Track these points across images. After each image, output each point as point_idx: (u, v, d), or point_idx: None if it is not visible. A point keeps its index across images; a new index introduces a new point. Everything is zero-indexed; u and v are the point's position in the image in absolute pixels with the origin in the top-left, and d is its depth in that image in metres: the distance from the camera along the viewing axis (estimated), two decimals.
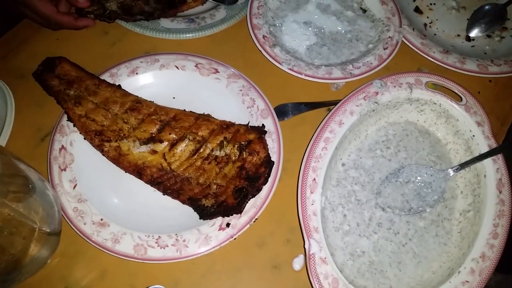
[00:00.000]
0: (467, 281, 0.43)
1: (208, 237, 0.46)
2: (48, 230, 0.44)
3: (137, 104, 0.52)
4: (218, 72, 0.56)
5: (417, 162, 0.52)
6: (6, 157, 0.37)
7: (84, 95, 0.52)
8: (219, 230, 0.46)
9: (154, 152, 0.50)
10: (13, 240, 0.39)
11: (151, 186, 0.49)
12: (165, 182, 0.49)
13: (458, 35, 0.65)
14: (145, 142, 0.51)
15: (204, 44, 0.60)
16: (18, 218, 0.39)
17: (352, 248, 0.47)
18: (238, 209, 0.46)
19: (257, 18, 0.59)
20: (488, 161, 0.49)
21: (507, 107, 0.61)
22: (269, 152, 0.50)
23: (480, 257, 0.45)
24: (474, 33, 0.65)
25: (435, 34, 0.65)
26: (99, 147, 0.50)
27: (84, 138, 0.51)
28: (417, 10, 0.67)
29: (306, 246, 0.43)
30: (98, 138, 0.50)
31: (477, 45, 0.64)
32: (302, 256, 0.48)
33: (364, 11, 0.64)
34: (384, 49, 0.58)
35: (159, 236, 0.46)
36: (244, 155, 0.49)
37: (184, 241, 0.45)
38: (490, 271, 0.44)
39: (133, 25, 0.61)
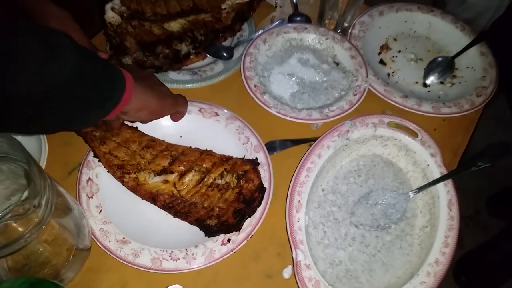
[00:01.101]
0: (424, 282, 0.53)
1: (212, 251, 0.55)
2: (81, 246, 0.52)
3: (151, 142, 0.62)
4: (218, 115, 0.66)
5: (383, 187, 0.63)
6: (52, 181, 0.46)
7: (108, 136, 0.62)
8: (222, 245, 0.55)
9: (166, 181, 0.60)
10: (58, 253, 0.48)
11: (164, 210, 0.58)
12: (175, 206, 0.59)
13: (417, 82, 0.78)
14: (159, 173, 0.60)
15: (206, 92, 0.71)
16: (63, 233, 0.47)
17: (331, 259, 0.57)
18: (237, 227, 0.56)
19: (249, 70, 0.71)
20: (440, 185, 0.60)
21: (458, 141, 0.72)
22: (262, 180, 0.60)
23: (435, 262, 0.54)
24: (429, 80, 0.77)
25: (396, 82, 0.77)
26: (120, 179, 0.60)
27: (108, 171, 0.60)
28: (382, 62, 0.79)
29: (294, 255, 0.53)
30: (120, 171, 0.60)
31: (432, 90, 0.77)
32: (290, 266, 0.57)
33: (337, 64, 0.76)
34: (354, 95, 0.70)
35: (172, 251, 0.54)
36: (241, 183, 0.59)
37: (192, 254, 0.54)
38: (443, 273, 0.54)
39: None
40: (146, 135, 0.63)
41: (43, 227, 0.43)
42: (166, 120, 0.65)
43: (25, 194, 0.38)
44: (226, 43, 0.77)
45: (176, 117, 0.63)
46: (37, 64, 0.35)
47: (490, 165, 0.61)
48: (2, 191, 0.50)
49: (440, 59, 0.79)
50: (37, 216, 0.41)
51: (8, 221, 0.38)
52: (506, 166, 1.38)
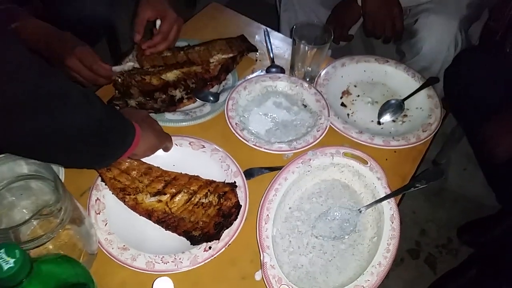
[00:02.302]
0: (368, 280, 0.64)
1: (196, 256, 0.66)
2: (89, 251, 0.64)
3: (149, 170, 0.75)
4: (205, 147, 0.80)
5: (340, 205, 0.75)
6: (70, 195, 0.59)
7: (113, 165, 0.75)
8: (204, 251, 0.67)
9: (159, 201, 0.72)
10: (71, 255, 0.59)
11: (157, 224, 0.70)
12: (167, 221, 0.71)
13: (372, 121, 0.92)
14: (154, 194, 0.73)
15: (196, 129, 0.84)
16: (76, 239, 0.60)
17: (295, 263, 0.68)
18: (217, 236, 0.67)
19: (231, 111, 0.85)
20: (385, 203, 0.72)
21: (407, 169, 0.85)
22: (239, 199, 0.72)
23: (378, 264, 0.66)
24: (383, 119, 0.91)
25: (355, 121, 0.91)
26: (122, 199, 0.72)
27: (112, 193, 0.73)
28: (343, 104, 0.94)
29: (261, 257, 0.64)
30: (122, 193, 0.73)
31: (385, 127, 0.90)
32: (260, 270, 0.68)
33: (305, 106, 0.90)
34: (317, 131, 0.84)
35: (163, 256, 0.66)
36: (221, 201, 0.71)
37: (180, 259, 0.66)
38: (384, 273, 0.65)
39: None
40: (144, 163, 0.76)
41: (61, 230, 0.55)
42: (161, 152, 0.78)
43: (53, 198, 0.51)
44: (213, 89, 0.92)
45: (166, 149, 0.78)
46: (81, 109, 0.50)
47: (426, 186, 0.74)
48: (29, 205, 0.63)
49: (392, 101, 0.93)
50: (58, 219, 0.53)
51: (37, 219, 0.51)
52: (476, 200, 1.50)
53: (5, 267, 0.32)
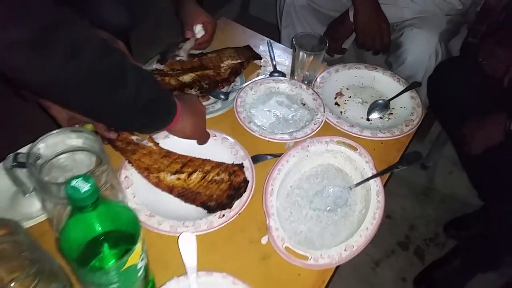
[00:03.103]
0: (357, 240, 0.75)
1: (212, 221, 0.77)
2: None
3: (168, 153, 0.87)
4: (216, 136, 0.92)
5: (333, 185, 0.86)
6: (110, 164, 0.70)
7: (137, 149, 0.87)
8: (219, 218, 0.78)
9: (179, 179, 0.83)
10: None
11: (178, 197, 0.82)
12: (186, 195, 0.82)
13: (362, 118, 1.04)
14: (174, 173, 0.84)
15: (208, 122, 0.95)
16: None
17: (295, 230, 0.79)
18: (229, 206, 0.79)
19: (240, 107, 0.97)
20: (372, 181, 0.84)
21: (392, 157, 0.95)
22: (246, 177, 0.84)
23: (365, 229, 0.77)
24: (371, 116, 1.03)
25: (347, 117, 1.03)
26: (147, 177, 0.83)
27: (138, 172, 0.85)
28: (337, 104, 1.06)
29: (268, 222, 0.75)
30: (146, 172, 0.84)
31: (373, 123, 1.02)
32: (266, 236, 0.79)
33: (304, 104, 1.03)
34: (314, 124, 0.96)
35: (184, 222, 0.77)
36: (232, 178, 0.83)
37: (198, 224, 0.77)
38: (370, 236, 0.76)
39: None
40: (163, 149, 0.88)
41: (105, 188, 0.66)
42: (178, 139, 0.90)
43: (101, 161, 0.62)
44: (224, 89, 1.05)
45: (199, 142, 0.89)
46: (134, 86, 0.63)
47: (406, 167, 0.85)
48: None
49: (380, 101, 1.06)
50: (103, 178, 0.64)
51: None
52: (460, 200, 1.61)
53: (83, 189, 0.44)
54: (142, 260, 0.56)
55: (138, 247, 0.53)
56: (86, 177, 0.45)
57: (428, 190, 1.65)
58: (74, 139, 0.68)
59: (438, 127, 1.61)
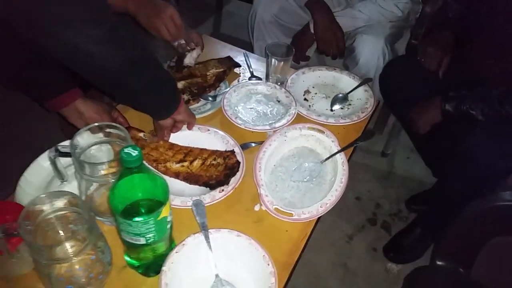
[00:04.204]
0: (329, 199, 0.94)
1: (214, 196, 0.93)
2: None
3: (171, 146, 1.03)
4: (209, 130, 1.09)
5: (308, 161, 1.05)
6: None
7: (146, 145, 1.03)
8: (219, 192, 0.95)
9: (183, 166, 1.00)
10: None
11: (183, 181, 0.98)
12: (190, 178, 0.98)
13: (327, 109, 1.23)
14: (178, 162, 1.01)
15: (201, 120, 1.13)
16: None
17: (280, 197, 0.96)
18: (226, 182, 0.96)
19: (226, 106, 1.15)
20: (338, 156, 1.03)
21: (352, 137, 1.14)
22: (238, 160, 1.01)
23: (335, 190, 0.95)
24: (334, 107, 1.24)
25: (315, 109, 1.23)
26: (156, 167, 0.99)
27: (148, 164, 1.00)
28: (305, 99, 1.26)
29: (259, 191, 0.93)
30: (155, 163, 1.00)
31: (336, 113, 1.22)
32: (258, 204, 0.96)
33: (279, 101, 1.22)
34: (289, 116, 1.14)
35: (191, 197, 0.93)
36: (226, 161, 1.00)
37: (203, 198, 0.93)
38: (338, 196, 0.95)
39: None
40: (167, 142, 1.04)
41: None
42: (180, 134, 1.07)
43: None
44: (211, 93, 1.23)
45: (189, 126, 1.06)
46: (153, 70, 0.82)
47: (363, 141, 1.05)
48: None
49: (340, 95, 1.26)
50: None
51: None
52: (418, 180, 1.83)
53: (133, 153, 0.61)
54: (170, 215, 0.72)
55: (168, 203, 0.70)
56: (134, 146, 0.62)
57: (389, 174, 1.87)
58: (101, 134, 0.85)
59: (393, 119, 1.84)
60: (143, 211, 0.70)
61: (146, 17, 1.09)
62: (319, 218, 0.94)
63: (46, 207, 0.70)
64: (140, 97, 0.88)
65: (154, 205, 0.69)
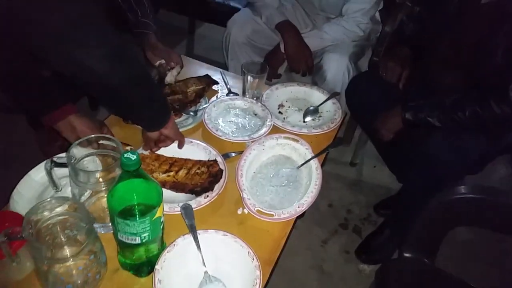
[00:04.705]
0: (306, 200, 1.01)
1: (199, 201, 0.99)
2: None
3: (157, 157, 1.09)
4: (192, 142, 1.15)
5: (285, 168, 1.13)
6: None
7: None
8: (204, 198, 1.01)
9: (169, 176, 1.06)
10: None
11: (170, 190, 1.04)
12: (176, 187, 1.04)
13: (300, 121, 1.33)
14: (164, 172, 1.07)
15: (185, 133, 1.19)
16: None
17: (261, 201, 1.04)
18: (211, 188, 1.02)
19: (207, 120, 1.22)
20: (312, 162, 1.11)
21: (324, 145, 1.24)
22: (220, 168, 1.08)
23: (311, 192, 1.04)
24: (306, 119, 1.33)
25: (289, 121, 1.32)
26: None
27: None
28: (280, 112, 1.35)
29: (242, 195, 1.00)
30: None
31: (308, 124, 1.31)
32: (241, 208, 1.03)
33: (256, 114, 1.30)
34: (265, 127, 1.23)
35: (178, 203, 0.99)
36: (210, 169, 1.07)
37: (189, 204, 0.99)
38: (314, 197, 1.03)
39: None
40: (154, 154, 1.10)
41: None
42: (168, 147, 1.13)
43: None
44: (192, 109, 1.30)
45: (180, 144, 1.11)
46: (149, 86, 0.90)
47: (333, 148, 1.15)
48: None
49: (311, 108, 1.36)
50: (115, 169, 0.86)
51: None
52: (385, 186, 1.94)
53: (133, 157, 0.67)
54: (163, 217, 0.78)
55: (162, 205, 0.76)
56: (133, 152, 0.68)
57: (358, 181, 1.98)
58: (89, 149, 0.90)
59: (359, 131, 1.96)
60: (137, 214, 0.75)
61: None
62: (295, 222, 1.02)
63: (46, 213, 0.75)
64: (136, 110, 0.95)
65: (147, 209, 0.75)
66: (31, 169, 1.00)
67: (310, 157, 1.13)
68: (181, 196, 1.03)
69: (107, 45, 0.77)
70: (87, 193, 0.90)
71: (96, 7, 0.76)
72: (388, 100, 1.46)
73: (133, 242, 0.76)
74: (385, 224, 1.68)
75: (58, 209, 0.75)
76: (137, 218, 0.72)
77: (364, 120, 1.61)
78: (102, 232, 0.91)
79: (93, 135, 0.89)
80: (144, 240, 0.76)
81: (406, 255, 1.02)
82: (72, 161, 0.82)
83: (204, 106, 1.30)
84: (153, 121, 1.00)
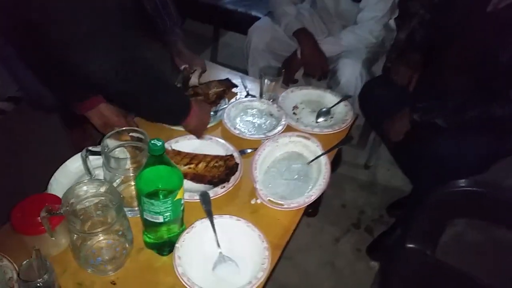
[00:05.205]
0: (314, 192, 1.09)
1: (217, 191, 1.08)
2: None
3: (178, 152, 1.19)
4: (212, 139, 1.25)
5: (296, 163, 1.21)
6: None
7: None
8: (221, 188, 1.09)
9: (189, 168, 1.15)
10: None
11: (191, 180, 1.13)
12: (196, 178, 1.13)
13: (312, 121, 1.41)
14: (185, 165, 1.16)
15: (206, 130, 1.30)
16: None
17: (273, 192, 1.11)
18: (227, 179, 1.11)
19: (226, 119, 1.31)
20: (322, 158, 1.19)
21: (333, 143, 1.32)
22: (237, 162, 1.17)
23: (319, 185, 1.11)
24: (319, 120, 1.40)
25: (302, 121, 1.40)
26: None
27: None
28: (294, 113, 1.43)
29: (255, 185, 1.08)
30: None
31: (320, 124, 1.39)
32: (254, 198, 1.11)
33: (271, 114, 1.39)
34: (280, 126, 1.31)
35: (198, 192, 1.08)
36: (227, 163, 1.16)
37: (208, 192, 1.08)
38: (323, 189, 1.10)
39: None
40: (175, 150, 1.20)
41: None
42: (187, 142, 1.22)
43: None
44: (213, 109, 1.39)
45: (199, 136, 1.22)
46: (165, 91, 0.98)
47: (342, 146, 1.22)
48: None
49: (324, 109, 1.43)
50: (142, 159, 0.95)
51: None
52: (398, 189, 1.99)
53: (158, 143, 0.76)
54: (183, 200, 0.87)
55: (182, 188, 0.85)
56: (158, 139, 0.77)
57: (372, 184, 2.02)
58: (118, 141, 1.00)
59: (374, 135, 2.01)
60: (161, 197, 0.85)
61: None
62: (305, 214, 1.10)
63: (82, 193, 0.85)
64: (153, 113, 1.05)
65: (170, 193, 0.84)
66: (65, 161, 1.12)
67: (319, 153, 1.20)
68: (200, 187, 1.12)
69: (115, 57, 0.83)
70: (118, 181, 1.00)
71: (111, 18, 0.82)
72: (398, 103, 1.52)
73: (157, 220, 0.85)
74: (396, 223, 1.72)
75: (92, 191, 0.85)
76: (161, 198, 0.81)
77: (376, 123, 1.67)
78: (130, 216, 1.00)
79: (123, 128, 0.99)
80: (166, 219, 0.85)
81: (409, 245, 1.07)
82: (105, 149, 0.93)
83: (224, 106, 1.40)
84: (173, 121, 1.11)
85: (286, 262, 1.58)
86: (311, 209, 1.80)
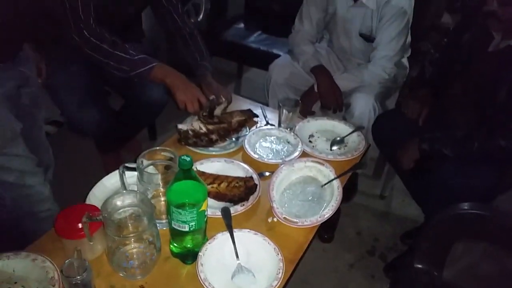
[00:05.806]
0: (327, 212, 1.16)
1: (236, 209, 1.17)
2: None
3: (203, 173, 1.29)
4: (233, 162, 1.35)
5: (311, 186, 1.29)
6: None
7: None
8: (240, 206, 1.18)
9: (212, 187, 1.25)
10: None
11: (212, 198, 1.22)
12: (218, 196, 1.23)
13: (327, 149, 1.50)
14: (209, 184, 1.26)
15: (227, 155, 1.40)
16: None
17: (288, 211, 1.19)
18: (246, 199, 1.20)
19: (247, 145, 1.42)
20: (335, 181, 1.27)
21: (344, 168, 1.40)
22: (256, 183, 1.26)
23: (332, 205, 1.18)
24: (333, 148, 1.49)
25: (317, 148, 1.49)
26: None
27: None
28: (310, 141, 1.53)
29: (272, 205, 1.17)
30: None
31: (334, 152, 1.48)
32: (271, 217, 1.19)
33: (288, 142, 1.49)
34: (296, 152, 1.41)
35: (218, 209, 1.17)
36: (246, 184, 1.25)
37: (229, 208, 1.17)
38: (334, 210, 1.17)
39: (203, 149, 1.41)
40: (199, 170, 1.30)
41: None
42: (209, 166, 1.33)
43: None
44: (235, 135, 1.50)
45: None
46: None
47: (354, 171, 1.30)
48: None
49: (338, 138, 1.52)
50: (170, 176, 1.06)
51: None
52: (411, 219, 2.02)
53: (188, 159, 0.87)
54: (206, 211, 0.97)
55: (206, 200, 0.94)
56: (187, 155, 0.88)
57: (386, 213, 2.07)
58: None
59: (388, 166, 2.08)
60: (188, 207, 0.94)
61: (177, 91, 1.48)
62: (321, 238, 1.17)
63: (119, 203, 0.96)
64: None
65: (195, 205, 0.94)
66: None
67: (332, 177, 1.28)
68: (222, 205, 1.22)
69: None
70: (149, 195, 1.10)
71: None
72: (409, 134, 1.60)
73: (183, 229, 0.94)
74: (409, 251, 1.75)
75: (128, 201, 0.96)
76: (187, 209, 0.91)
77: (389, 153, 1.74)
78: (158, 228, 1.10)
79: (157, 147, 1.11)
80: (191, 229, 0.94)
81: (417, 265, 1.12)
82: (140, 166, 1.04)
83: (245, 134, 1.51)
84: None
85: (303, 285, 1.63)
86: (327, 235, 1.86)
